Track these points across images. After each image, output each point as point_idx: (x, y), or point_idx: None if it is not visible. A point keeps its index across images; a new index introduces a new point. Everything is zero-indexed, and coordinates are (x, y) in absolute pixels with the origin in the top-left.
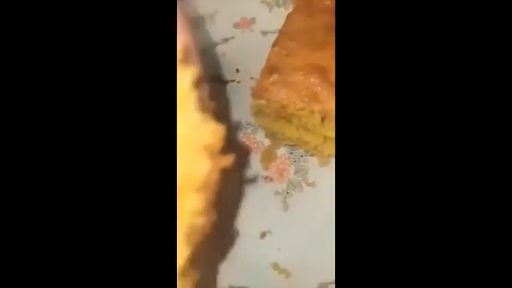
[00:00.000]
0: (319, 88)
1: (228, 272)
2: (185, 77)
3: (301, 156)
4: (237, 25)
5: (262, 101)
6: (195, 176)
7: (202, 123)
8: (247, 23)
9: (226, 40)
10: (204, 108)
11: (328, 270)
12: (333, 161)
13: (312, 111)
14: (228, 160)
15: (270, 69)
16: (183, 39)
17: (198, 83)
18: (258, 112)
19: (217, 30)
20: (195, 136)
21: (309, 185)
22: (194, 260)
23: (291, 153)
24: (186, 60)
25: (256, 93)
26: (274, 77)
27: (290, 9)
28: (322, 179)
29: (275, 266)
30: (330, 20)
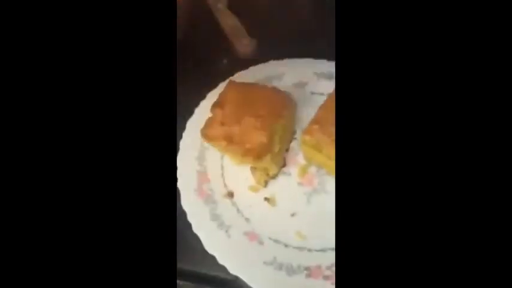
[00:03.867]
0: None
1: (269, 230)
2: None
3: (323, 174)
4: (296, 84)
5: (307, 137)
6: None
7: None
8: (302, 85)
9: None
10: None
11: (328, 241)
12: None
13: (333, 147)
14: None
15: (316, 121)
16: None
17: None
18: (303, 143)
19: (281, 86)
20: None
21: (325, 192)
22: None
23: (317, 171)
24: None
25: (305, 132)
26: (317, 126)
27: (331, 81)
28: (334, 190)
29: (298, 233)
30: None
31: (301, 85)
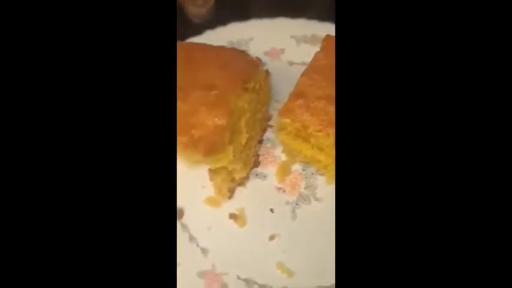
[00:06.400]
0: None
1: (237, 264)
2: None
3: (312, 174)
4: (267, 53)
5: (287, 120)
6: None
7: None
8: (276, 53)
9: None
10: None
11: (327, 276)
12: None
13: (328, 134)
14: None
15: (297, 94)
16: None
17: None
18: (281, 129)
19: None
20: None
21: (316, 199)
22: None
23: (304, 170)
24: None
25: (283, 112)
26: (300, 101)
27: (316, 46)
28: (328, 196)
29: (280, 266)
30: None
31: (275, 53)
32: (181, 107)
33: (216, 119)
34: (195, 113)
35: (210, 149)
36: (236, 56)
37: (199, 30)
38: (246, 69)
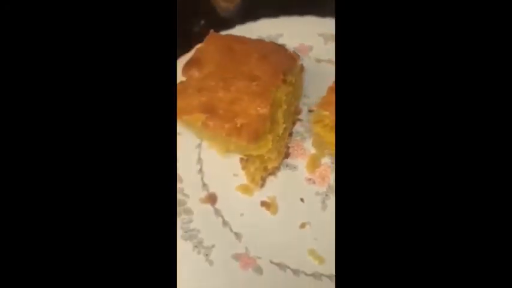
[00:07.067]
0: None
1: (269, 249)
2: None
3: None
4: (296, 50)
5: (326, 112)
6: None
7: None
8: (305, 50)
9: None
10: None
11: None
12: None
13: None
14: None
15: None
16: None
17: None
18: (318, 121)
19: None
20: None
21: None
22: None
23: (332, 163)
24: None
25: (322, 105)
26: None
27: None
28: None
29: (311, 252)
30: None
31: (304, 50)
32: (224, 95)
33: (259, 108)
34: (237, 102)
35: (253, 136)
36: (275, 49)
37: (229, 26)
38: (285, 63)
